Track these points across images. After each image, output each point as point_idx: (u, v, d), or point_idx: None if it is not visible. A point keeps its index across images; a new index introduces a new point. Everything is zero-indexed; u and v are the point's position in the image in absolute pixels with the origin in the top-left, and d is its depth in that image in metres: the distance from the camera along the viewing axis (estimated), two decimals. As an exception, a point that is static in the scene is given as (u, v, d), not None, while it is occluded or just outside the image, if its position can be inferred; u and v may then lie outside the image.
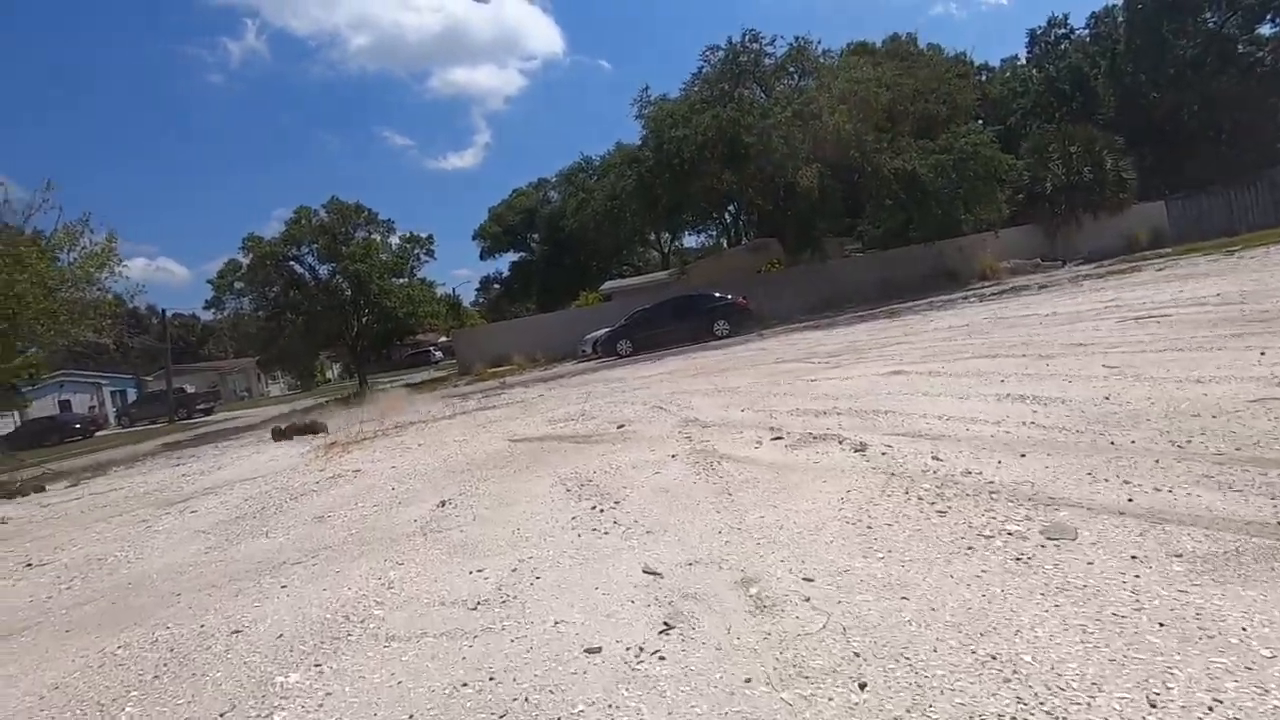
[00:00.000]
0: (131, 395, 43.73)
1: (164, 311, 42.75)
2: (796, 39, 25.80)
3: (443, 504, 4.69)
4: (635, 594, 2.69)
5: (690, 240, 42.22)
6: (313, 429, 11.68)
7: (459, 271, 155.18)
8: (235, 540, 4.75)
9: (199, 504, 6.53)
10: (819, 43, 26.08)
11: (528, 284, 41.33)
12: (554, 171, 40.79)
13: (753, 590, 2.52)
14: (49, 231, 14.87)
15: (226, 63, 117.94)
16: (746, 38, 25.82)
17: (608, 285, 31.48)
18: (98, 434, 30.78)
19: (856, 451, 4.23)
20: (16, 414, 29.25)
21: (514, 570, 3.17)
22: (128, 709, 2.41)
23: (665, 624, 2.35)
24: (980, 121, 29.31)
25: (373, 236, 30.20)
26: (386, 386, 27.61)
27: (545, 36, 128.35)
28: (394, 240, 31.00)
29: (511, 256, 44.27)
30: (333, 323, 29.41)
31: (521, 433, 7.33)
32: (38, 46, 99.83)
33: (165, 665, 2.73)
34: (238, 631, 2.97)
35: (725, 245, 37.61)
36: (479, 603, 2.84)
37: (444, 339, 45.26)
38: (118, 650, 3.01)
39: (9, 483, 11.31)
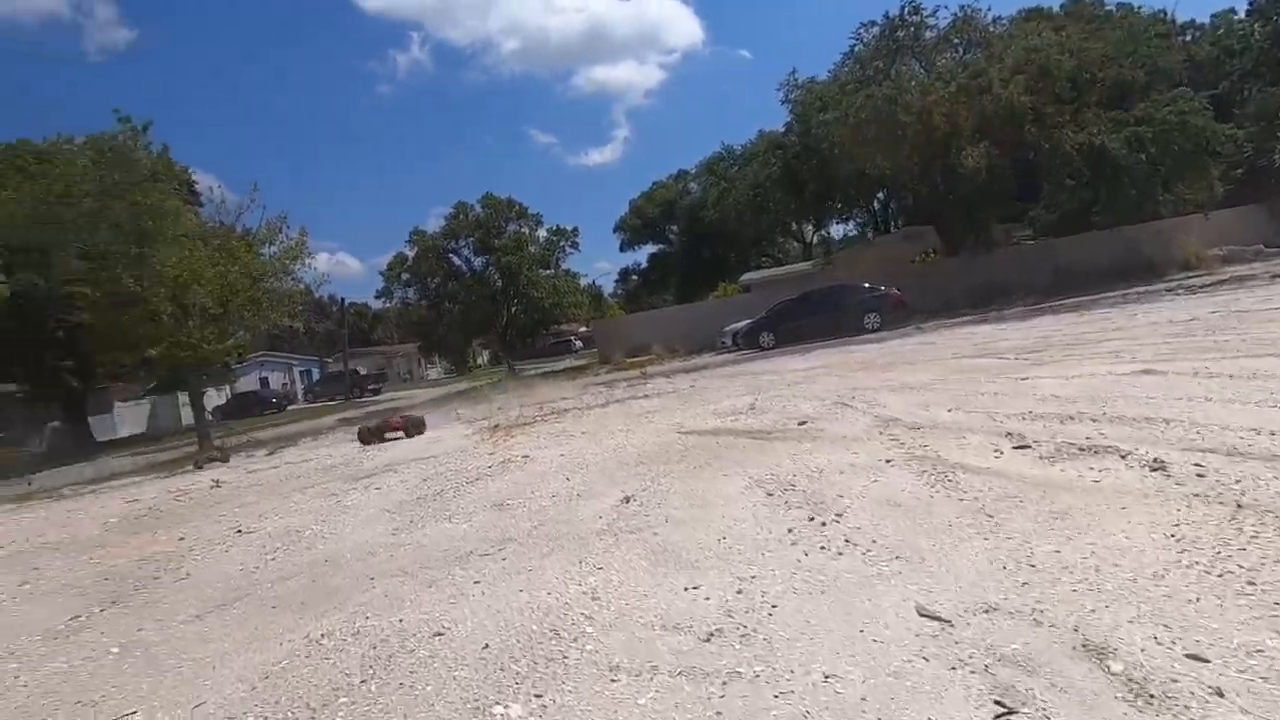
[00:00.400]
0: (315, 375, 49.10)
1: (342, 300, 47.76)
2: (962, 8, 23.26)
3: (626, 500, 4.32)
4: (920, 646, 2.07)
5: (835, 230, 40.07)
6: (419, 427, 10.26)
7: (599, 264, 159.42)
8: (419, 523, 4.69)
9: (380, 481, 6.72)
10: (988, 10, 23.41)
11: (666, 275, 41.22)
12: (694, 163, 40.20)
13: (1113, 666, 1.81)
14: (254, 228, 16.76)
15: (394, 74, 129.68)
16: (905, 10, 23.70)
17: (746, 276, 30.48)
18: (289, 408, 34.82)
19: (1154, 470, 3.29)
20: (227, 388, 33.83)
21: (739, 593, 2.67)
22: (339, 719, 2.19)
23: (1000, 705, 1.71)
24: (1185, 87, 24.82)
25: (522, 230, 31.48)
26: (533, 373, 28.63)
27: (685, 29, 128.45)
28: (541, 233, 32.17)
29: (650, 248, 44.33)
30: (485, 312, 31.12)
31: (689, 425, 6.88)
32: (241, 69, 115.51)
33: (370, 667, 2.52)
34: (439, 634, 2.72)
35: (871, 234, 35.25)
36: (710, 633, 2.36)
37: (583, 329, 46.49)
38: (322, 639, 2.88)
39: (223, 448, 12.76)
